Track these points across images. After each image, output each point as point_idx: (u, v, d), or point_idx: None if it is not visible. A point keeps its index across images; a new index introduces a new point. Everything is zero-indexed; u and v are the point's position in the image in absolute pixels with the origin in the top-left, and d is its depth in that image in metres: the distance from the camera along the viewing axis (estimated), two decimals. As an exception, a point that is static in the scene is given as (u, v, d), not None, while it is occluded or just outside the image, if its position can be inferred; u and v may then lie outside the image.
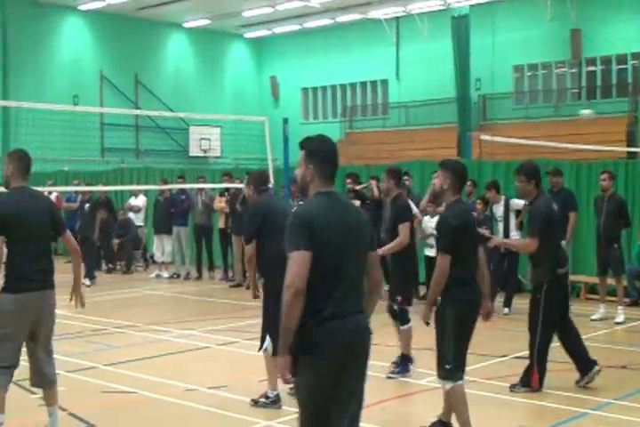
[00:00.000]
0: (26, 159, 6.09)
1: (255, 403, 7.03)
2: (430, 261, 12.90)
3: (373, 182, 13.54)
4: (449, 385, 5.88)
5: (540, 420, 6.95)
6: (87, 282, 15.66)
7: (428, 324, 6.02)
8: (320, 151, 4.25)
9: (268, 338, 6.85)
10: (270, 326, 6.59)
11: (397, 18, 31.88)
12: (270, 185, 9.95)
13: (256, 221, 6.96)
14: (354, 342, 4.05)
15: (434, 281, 5.91)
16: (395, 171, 8.61)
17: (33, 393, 6.89)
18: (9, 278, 5.77)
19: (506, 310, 12.18)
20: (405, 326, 8.12)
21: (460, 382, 5.89)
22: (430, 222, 12.43)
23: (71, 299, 6.17)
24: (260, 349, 7.01)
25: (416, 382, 7.87)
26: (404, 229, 8.10)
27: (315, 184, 4.22)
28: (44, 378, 5.98)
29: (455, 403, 5.94)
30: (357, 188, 13.69)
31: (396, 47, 32.41)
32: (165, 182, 17.47)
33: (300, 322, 3.93)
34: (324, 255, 3.98)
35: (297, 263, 3.93)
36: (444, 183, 6.05)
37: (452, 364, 5.84)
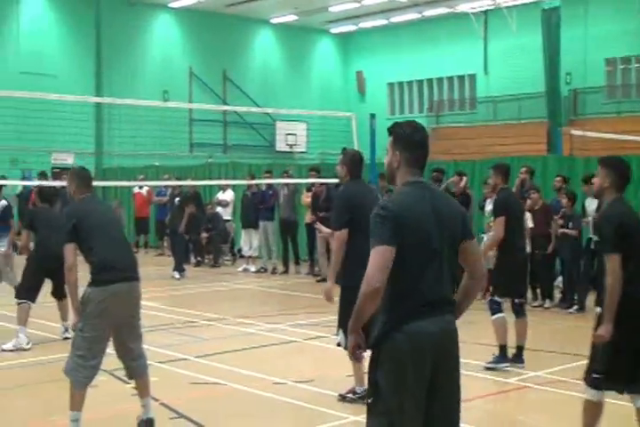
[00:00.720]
0: (86, 177, 6.37)
1: (343, 398, 7.05)
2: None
3: (458, 178, 13.45)
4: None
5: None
6: (177, 275, 15.99)
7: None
8: (408, 138, 4.02)
9: (341, 332, 6.83)
10: (344, 320, 6.54)
11: (486, 11, 31.46)
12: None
13: (347, 207, 6.88)
14: (439, 344, 3.80)
15: (610, 287, 5.35)
16: (502, 166, 8.73)
17: (126, 383, 7.05)
18: (95, 272, 5.88)
19: (598, 309, 11.91)
20: (493, 317, 8.21)
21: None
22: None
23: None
24: (337, 344, 7.01)
25: (506, 381, 7.78)
26: (496, 224, 8.25)
27: (402, 173, 4.01)
28: (134, 369, 6.11)
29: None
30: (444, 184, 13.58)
31: (484, 41, 31.99)
32: (253, 177, 17.65)
33: (383, 318, 3.79)
34: (413, 248, 3.78)
35: (379, 259, 3.71)
36: (604, 182, 5.53)
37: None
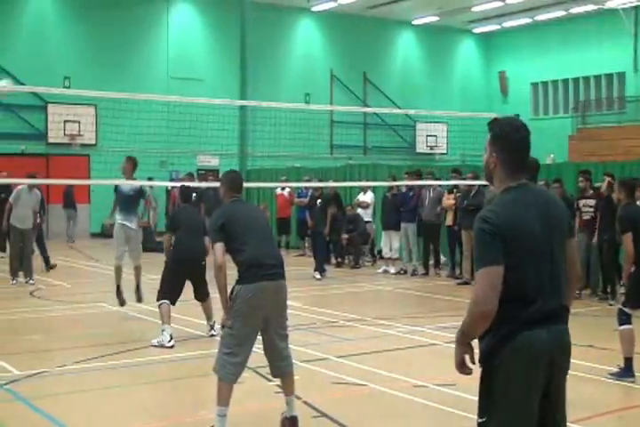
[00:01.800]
0: (236, 180, 6.53)
1: None
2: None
3: (608, 179, 13.04)
4: None
5: None
6: (317, 275, 16.18)
7: None
8: (506, 137, 3.73)
9: None
10: None
11: (636, 7, 30.33)
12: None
13: None
14: (553, 356, 3.63)
15: None
16: (628, 182, 8.73)
17: (270, 380, 7.20)
18: (243, 270, 6.00)
19: None
20: (621, 328, 8.01)
21: None
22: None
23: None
24: None
25: (656, 392, 7.48)
26: (624, 239, 8.21)
27: (500, 176, 3.75)
28: (280, 369, 6.22)
29: None
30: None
31: (635, 38, 30.86)
32: (394, 179, 17.63)
33: (498, 332, 3.59)
34: (524, 262, 3.57)
35: (486, 281, 3.50)
36: None
37: None
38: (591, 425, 6.43)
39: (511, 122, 3.80)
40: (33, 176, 15.82)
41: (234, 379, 5.99)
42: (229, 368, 5.94)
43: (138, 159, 11.42)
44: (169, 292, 9.63)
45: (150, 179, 22.03)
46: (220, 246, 6.07)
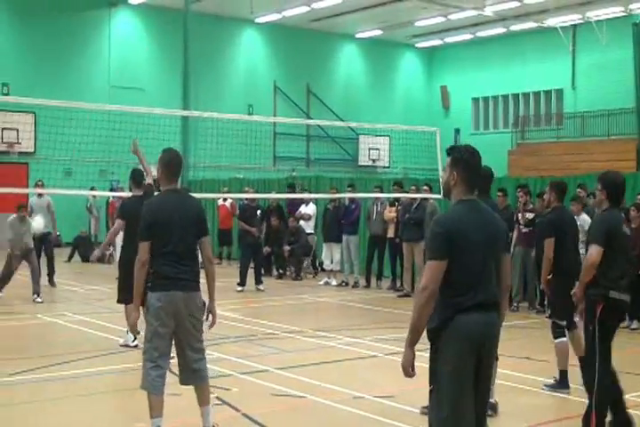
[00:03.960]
0: (174, 163, 6.18)
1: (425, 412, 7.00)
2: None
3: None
4: None
5: None
6: (261, 287, 16.07)
7: None
8: (467, 160, 4.59)
9: None
10: None
11: (574, 26, 31.00)
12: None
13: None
14: (487, 333, 4.46)
15: None
16: (559, 184, 8.34)
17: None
18: (154, 278, 5.93)
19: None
20: (556, 341, 7.98)
21: None
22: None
23: (206, 318, 6.06)
24: None
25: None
26: (545, 244, 7.83)
27: (457, 191, 4.59)
28: (192, 374, 6.02)
29: None
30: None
31: (572, 56, 31.50)
32: (336, 191, 17.67)
33: (442, 314, 4.39)
34: (463, 260, 4.40)
35: (431, 272, 4.38)
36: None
37: None
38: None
39: (468, 148, 4.67)
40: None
41: (157, 385, 5.86)
42: (150, 374, 5.87)
43: (75, 169, 11.25)
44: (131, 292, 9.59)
45: (92, 188, 21.76)
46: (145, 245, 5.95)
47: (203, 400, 6.06)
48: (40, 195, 16.32)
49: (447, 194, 4.69)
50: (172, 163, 6.15)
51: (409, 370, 4.48)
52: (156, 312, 5.84)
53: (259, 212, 17.45)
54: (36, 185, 17.65)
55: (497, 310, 4.56)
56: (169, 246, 5.86)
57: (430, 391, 4.51)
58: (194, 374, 6.01)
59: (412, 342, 4.46)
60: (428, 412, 4.63)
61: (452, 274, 4.39)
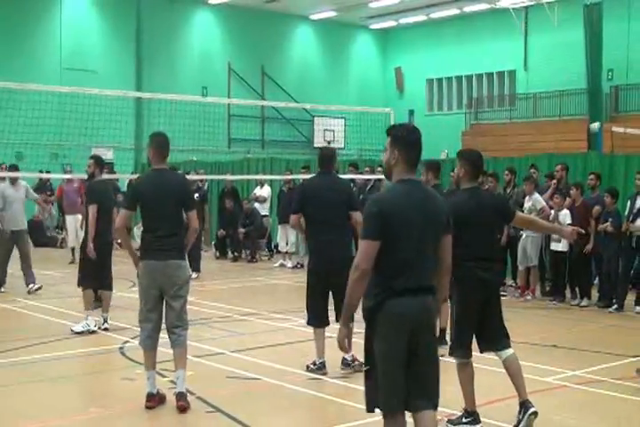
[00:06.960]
0: (163, 144, 6.84)
1: (307, 368, 7.90)
2: (555, 256, 12.67)
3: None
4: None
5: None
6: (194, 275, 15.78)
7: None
8: (406, 138, 4.50)
9: None
10: None
11: (526, 7, 31.13)
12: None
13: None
14: (420, 317, 4.42)
15: None
16: (433, 164, 8.83)
17: (164, 376, 7.13)
18: (140, 247, 6.62)
19: (638, 308, 11.81)
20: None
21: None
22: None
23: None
24: None
25: (543, 380, 7.71)
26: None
27: (398, 170, 4.49)
28: (175, 337, 6.56)
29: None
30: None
31: (525, 37, 31.68)
32: (290, 173, 17.66)
33: (377, 296, 4.37)
34: (399, 239, 4.34)
35: (364, 252, 4.33)
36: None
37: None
38: None
39: (407, 126, 4.62)
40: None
41: (147, 342, 6.48)
42: (142, 333, 6.54)
43: (26, 151, 11.12)
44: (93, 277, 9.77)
45: (48, 172, 21.41)
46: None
47: (177, 363, 6.56)
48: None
49: (388, 174, 4.59)
50: (162, 145, 6.85)
51: (345, 344, 4.54)
52: (139, 281, 6.58)
53: (196, 195, 17.21)
54: None
55: (432, 294, 4.50)
56: (153, 219, 6.55)
57: (365, 371, 4.59)
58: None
59: (346, 318, 4.48)
60: (365, 391, 4.65)
61: (386, 255, 4.34)
